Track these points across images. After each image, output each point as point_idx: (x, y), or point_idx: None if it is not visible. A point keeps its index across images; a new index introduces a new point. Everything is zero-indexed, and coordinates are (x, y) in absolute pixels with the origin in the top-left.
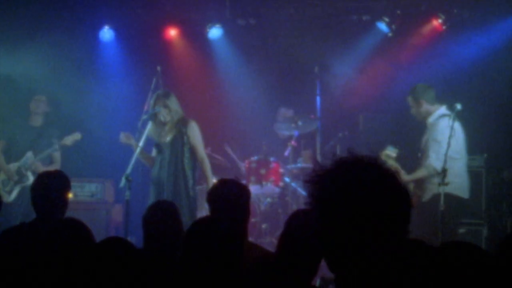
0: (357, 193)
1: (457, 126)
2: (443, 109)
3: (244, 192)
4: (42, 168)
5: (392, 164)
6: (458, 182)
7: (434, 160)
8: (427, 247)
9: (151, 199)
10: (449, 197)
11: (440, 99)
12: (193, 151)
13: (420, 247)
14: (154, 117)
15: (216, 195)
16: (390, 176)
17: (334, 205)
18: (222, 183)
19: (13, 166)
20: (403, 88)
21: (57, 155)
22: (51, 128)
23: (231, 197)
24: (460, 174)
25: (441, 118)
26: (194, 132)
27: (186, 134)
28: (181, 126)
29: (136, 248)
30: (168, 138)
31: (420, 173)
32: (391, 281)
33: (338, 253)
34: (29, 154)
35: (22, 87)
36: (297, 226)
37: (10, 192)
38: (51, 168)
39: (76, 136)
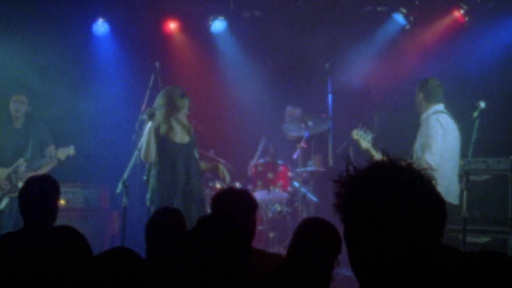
0: (392, 197)
1: (450, 123)
2: (440, 106)
3: (250, 204)
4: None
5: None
6: (444, 185)
7: (429, 156)
8: (462, 254)
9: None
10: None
11: (460, 97)
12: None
13: (455, 254)
14: (153, 116)
15: (220, 204)
16: (426, 181)
17: (366, 209)
18: (229, 192)
19: (2, 172)
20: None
21: (50, 161)
22: (37, 127)
23: (236, 208)
24: (448, 177)
25: (435, 114)
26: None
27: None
28: (190, 126)
29: (143, 259)
30: (186, 139)
31: None
32: None
33: (366, 259)
34: (21, 161)
35: (2, 86)
36: (307, 235)
37: (0, 201)
38: (45, 169)
39: (70, 151)
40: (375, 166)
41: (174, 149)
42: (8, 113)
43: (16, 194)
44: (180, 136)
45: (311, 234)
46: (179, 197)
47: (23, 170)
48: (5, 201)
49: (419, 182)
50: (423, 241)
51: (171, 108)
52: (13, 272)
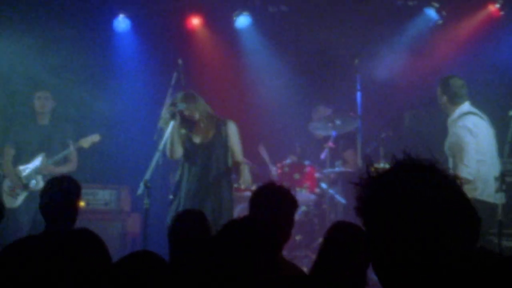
0: (416, 199)
1: (479, 123)
2: (465, 107)
3: (290, 203)
4: (56, 170)
5: None
6: (481, 188)
7: (463, 169)
8: (494, 259)
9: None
10: (480, 203)
11: (496, 94)
12: (232, 155)
13: (487, 258)
14: (175, 115)
15: (259, 199)
16: (452, 182)
17: (386, 212)
18: (270, 188)
19: (22, 169)
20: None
21: (73, 153)
22: (63, 124)
23: (275, 206)
24: (483, 177)
25: (461, 119)
26: (234, 133)
27: (227, 135)
28: (219, 125)
29: (166, 262)
30: (205, 140)
31: None
32: None
33: (389, 264)
34: (41, 156)
35: (25, 84)
36: (337, 241)
37: (16, 197)
38: (66, 168)
39: (95, 137)
40: (396, 167)
41: (193, 149)
42: (32, 109)
43: (34, 189)
44: (201, 136)
45: (341, 240)
46: (199, 199)
47: (43, 163)
48: (22, 196)
49: (442, 183)
50: (449, 244)
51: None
52: (32, 276)
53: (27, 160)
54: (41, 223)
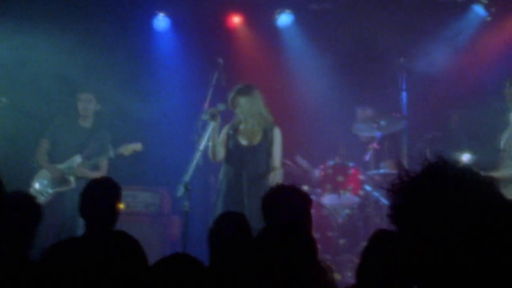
0: (450, 205)
1: None
2: None
3: (302, 199)
4: (89, 174)
5: None
6: None
7: None
8: None
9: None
10: None
11: None
12: (272, 161)
13: None
14: (216, 116)
15: (271, 202)
16: (489, 186)
17: (421, 220)
18: (279, 189)
19: (57, 167)
20: (503, 80)
21: (104, 162)
22: (103, 130)
23: (287, 204)
24: None
25: None
26: (279, 139)
27: (272, 140)
28: (268, 130)
29: (205, 266)
30: (251, 143)
31: (506, 172)
32: None
33: (428, 276)
34: (77, 157)
35: (68, 82)
36: (379, 252)
37: (44, 195)
38: (96, 174)
39: (137, 146)
40: (427, 171)
41: (237, 151)
42: (75, 110)
43: (64, 189)
44: (247, 138)
45: (383, 251)
46: (241, 201)
47: (79, 165)
48: (50, 191)
49: (481, 186)
50: (489, 251)
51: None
52: (72, 279)
53: (62, 159)
54: (70, 228)
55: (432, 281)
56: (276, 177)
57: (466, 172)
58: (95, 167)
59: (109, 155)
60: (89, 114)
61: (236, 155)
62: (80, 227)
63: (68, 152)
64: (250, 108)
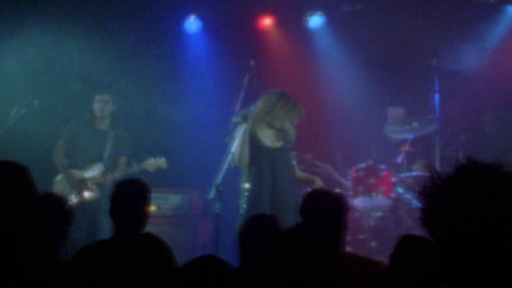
0: (482, 209)
1: None
2: None
3: (337, 204)
4: (111, 182)
5: None
6: None
7: None
8: None
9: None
10: None
11: None
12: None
13: None
14: (247, 118)
15: (308, 206)
16: None
17: (452, 224)
18: (315, 193)
19: (77, 173)
20: None
21: (122, 159)
22: (120, 131)
23: (323, 209)
24: None
25: None
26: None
27: (291, 139)
28: (288, 129)
29: (233, 269)
30: (278, 144)
31: None
32: None
33: (459, 276)
34: (99, 166)
35: (96, 84)
36: (406, 258)
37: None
38: (118, 173)
39: (162, 163)
40: (459, 173)
41: (262, 153)
42: (92, 112)
43: (87, 199)
44: (272, 140)
45: (410, 256)
46: (267, 203)
47: (99, 175)
48: (74, 202)
49: (507, 188)
50: None
51: (267, 112)
52: (101, 281)
53: (79, 164)
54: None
55: (465, 285)
56: (319, 182)
57: (498, 173)
58: (115, 169)
59: (132, 170)
60: (106, 115)
61: (263, 157)
62: (103, 229)
63: (87, 157)
64: (281, 114)
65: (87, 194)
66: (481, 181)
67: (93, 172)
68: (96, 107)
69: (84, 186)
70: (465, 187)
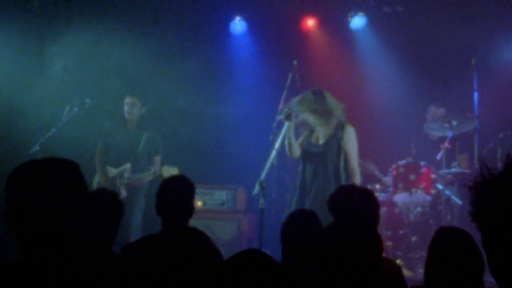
0: None
1: None
2: None
3: (365, 197)
4: (137, 183)
5: None
6: None
7: None
8: None
9: (293, 208)
10: None
11: None
12: (346, 160)
13: None
14: (291, 117)
15: (335, 202)
16: None
17: (504, 216)
18: (342, 189)
19: (110, 171)
20: None
21: (157, 158)
22: (151, 132)
23: (351, 204)
24: None
25: None
26: (351, 138)
27: (342, 139)
28: (337, 129)
29: (276, 262)
30: (320, 142)
31: None
32: None
33: (506, 270)
34: (127, 166)
35: (133, 83)
36: (442, 249)
37: None
38: (147, 178)
39: (173, 171)
40: (510, 168)
41: (309, 150)
42: (121, 114)
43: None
44: (317, 138)
45: (447, 247)
46: (306, 200)
47: (127, 176)
48: None
49: None
50: None
51: (308, 110)
52: (150, 272)
53: (116, 164)
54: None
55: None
56: (355, 179)
57: None
58: (147, 168)
59: (149, 174)
60: (134, 117)
61: (307, 154)
62: (133, 224)
63: (119, 157)
64: (320, 110)
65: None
66: None
67: (122, 172)
68: (125, 109)
69: (114, 186)
70: None
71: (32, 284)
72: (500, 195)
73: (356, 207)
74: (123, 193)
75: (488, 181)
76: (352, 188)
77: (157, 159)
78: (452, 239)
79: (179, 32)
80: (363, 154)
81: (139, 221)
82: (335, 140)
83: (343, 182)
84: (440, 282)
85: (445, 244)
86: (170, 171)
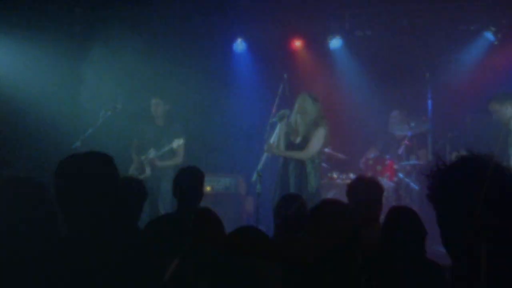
0: (474, 187)
1: None
2: None
3: (379, 188)
4: (158, 164)
5: None
6: None
7: None
8: None
9: (276, 193)
10: None
11: None
12: (306, 147)
13: None
14: (283, 118)
15: (355, 190)
16: (506, 172)
17: (452, 199)
18: (361, 179)
19: (138, 159)
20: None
21: (180, 148)
22: (173, 126)
23: (367, 192)
24: None
25: None
26: (318, 135)
27: (313, 136)
28: (313, 127)
29: (267, 235)
30: (297, 140)
31: None
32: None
33: (455, 240)
34: (151, 150)
35: (155, 88)
36: (393, 220)
37: None
38: (173, 161)
39: (179, 141)
40: (459, 161)
41: (288, 146)
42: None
43: (142, 176)
44: (296, 137)
45: (397, 222)
46: (286, 186)
47: (152, 156)
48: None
49: (499, 174)
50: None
51: (294, 111)
52: (170, 244)
53: (143, 151)
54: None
55: (462, 244)
56: (296, 154)
57: (489, 163)
58: (170, 156)
59: (179, 137)
60: (160, 115)
61: (287, 148)
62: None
63: (147, 145)
64: (307, 114)
65: (143, 173)
66: (478, 167)
67: (148, 154)
68: (152, 108)
69: (141, 167)
70: (467, 171)
71: (77, 254)
72: (450, 182)
73: (368, 191)
74: (147, 170)
75: (441, 171)
76: (369, 179)
77: (179, 141)
78: (399, 213)
79: (193, 49)
80: (339, 149)
81: (168, 191)
82: (308, 137)
83: (311, 173)
84: (391, 244)
85: (394, 218)
86: (177, 142)
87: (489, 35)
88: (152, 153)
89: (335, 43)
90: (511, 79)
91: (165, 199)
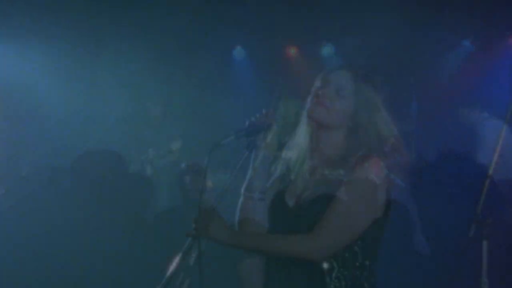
0: (445, 179)
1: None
2: None
3: None
4: (158, 163)
5: None
6: None
7: None
8: None
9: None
10: None
11: None
12: None
13: None
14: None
15: None
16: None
17: (432, 194)
18: None
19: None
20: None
21: (177, 152)
22: (171, 128)
23: None
24: None
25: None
26: None
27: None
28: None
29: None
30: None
31: None
32: None
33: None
34: (150, 150)
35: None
36: None
37: None
38: (168, 159)
39: (177, 143)
40: (440, 158)
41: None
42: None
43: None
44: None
45: None
46: None
47: (152, 156)
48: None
49: (471, 170)
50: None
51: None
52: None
53: (144, 153)
54: None
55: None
56: None
57: (462, 159)
58: (168, 154)
59: (178, 142)
60: (158, 116)
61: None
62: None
63: (146, 146)
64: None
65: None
66: (455, 164)
67: (146, 155)
68: (151, 111)
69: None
70: (444, 166)
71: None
72: (431, 179)
73: None
74: (148, 168)
75: (423, 169)
76: None
77: (175, 143)
78: None
79: (193, 57)
80: None
81: (166, 191)
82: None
83: None
84: None
85: None
86: (175, 143)
87: (467, 43)
88: (151, 153)
89: (327, 50)
90: (487, 85)
91: (164, 199)
